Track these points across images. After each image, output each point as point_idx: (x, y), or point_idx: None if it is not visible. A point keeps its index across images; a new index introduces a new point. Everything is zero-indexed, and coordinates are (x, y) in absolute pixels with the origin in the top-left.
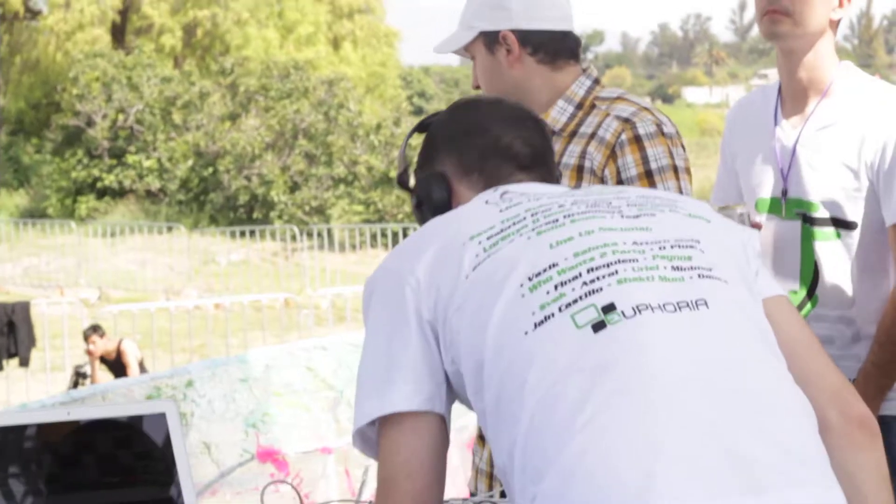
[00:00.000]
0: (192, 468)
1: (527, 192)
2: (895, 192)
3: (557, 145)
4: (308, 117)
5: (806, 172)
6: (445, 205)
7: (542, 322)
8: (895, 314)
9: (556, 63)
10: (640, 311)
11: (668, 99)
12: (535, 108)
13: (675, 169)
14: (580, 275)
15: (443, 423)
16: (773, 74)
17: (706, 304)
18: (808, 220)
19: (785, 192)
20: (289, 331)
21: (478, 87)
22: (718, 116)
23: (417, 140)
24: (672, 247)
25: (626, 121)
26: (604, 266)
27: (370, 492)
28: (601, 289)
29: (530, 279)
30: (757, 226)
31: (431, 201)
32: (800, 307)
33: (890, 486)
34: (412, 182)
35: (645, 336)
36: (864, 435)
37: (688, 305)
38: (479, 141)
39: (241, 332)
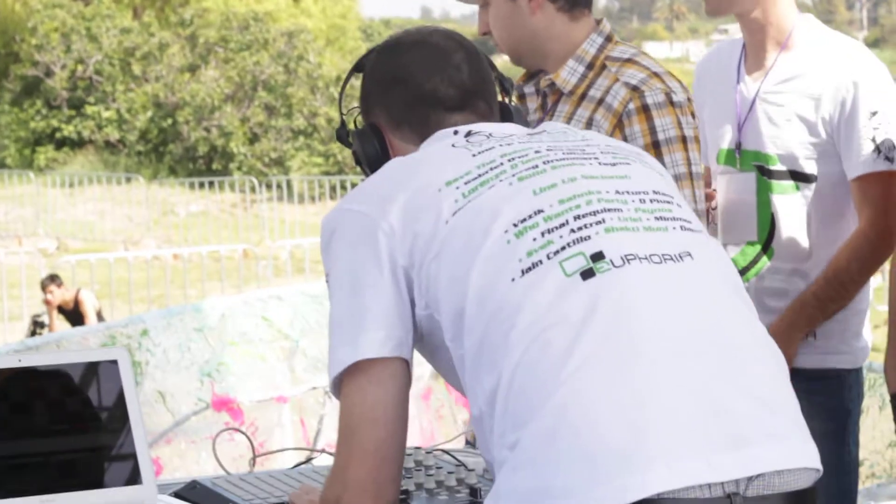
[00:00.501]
0: (147, 417)
1: (494, 134)
2: (854, 146)
3: (566, 107)
4: (268, 69)
5: (764, 125)
6: (381, 160)
7: (529, 269)
8: (849, 255)
9: (574, 12)
10: (628, 261)
11: None
12: (550, 60)
13: (684, 139)
14: (567, 222)
15: (407, 367)
16: (733, 29)
17: (690, 256)
18: (766, 173)
19: (739, 145)
20: (247, 282)
21: (486, 34)
22: (679, 71)
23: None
24: (652, 200)
25: (635, 89)
26: (590, 214)
27: (325, 440)
28: (589, 237)
29: (515, 225)
30: (711, 196)
31: (367, 157)
32: (756, 259)
33: None
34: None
35: (632, 287)
36: None
37: (671, 258)
38: (402, 91)
39: (199, 282)
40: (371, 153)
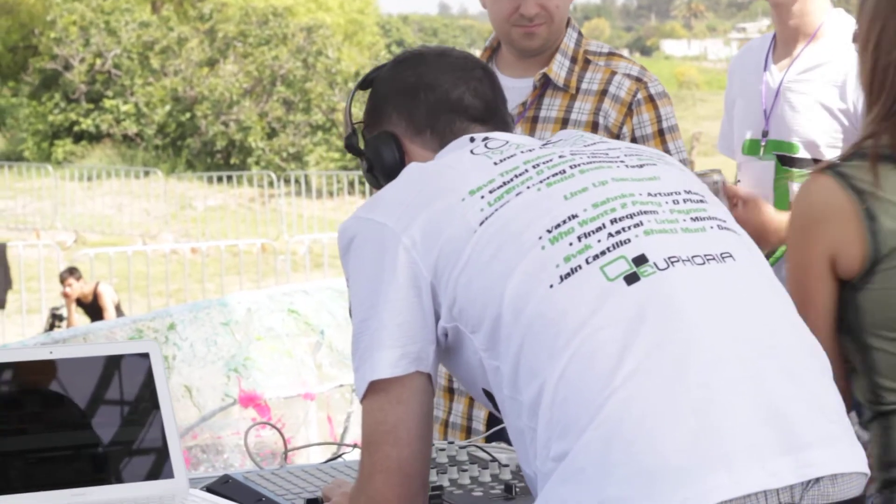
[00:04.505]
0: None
1: (511, 141)
2: None
3: (557, 100)
4: (286, 64)
5: (788, 114)
6: (398, 167)
7: (568, 274)
8: None
9: None
10: (672, 264)
11: (646, 51)
12: (549, 52)
13: (678, 128)
14: (604, 226)
15: (429, 381)
16: (751, 28)
17: (732, 256)
18: (787, 161)
19: (765, 134)
20: (265, 276)
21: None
22: (696, 69)
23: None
24: (685, 200)
25: (639, 80)
26: (627, 217)
27: (352, 438)
28: (629, 240)
29: (549, 231)
30: (734, 194)
31: (383, 164)
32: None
33: None
34: (361, 144)
35: (679, 290)
36: None
37: (714, 258)
38: (427, 97)
39: (217, 276)
40: (389, 159)
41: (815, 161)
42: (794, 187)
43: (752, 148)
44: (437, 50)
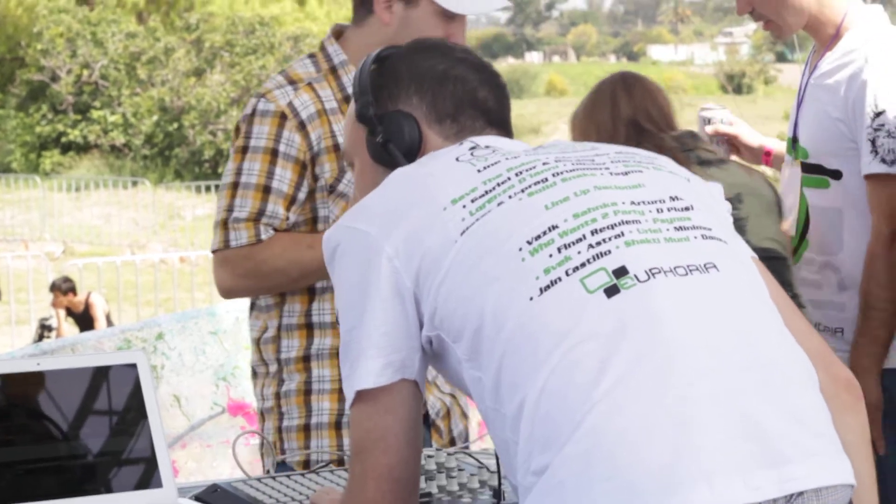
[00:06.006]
0: (162, 420)
1: (498, 148)
2: (863, 146)
3: None
4: (273, 73)
5: (802, 120)
6: (415, 147)
7: (548, 287)
8: (869, 280)
9: None
10: (653, 276)
11: (633, 57)
12: None
13: None
14: (584, 237)
15: (416, 388)
16: (738, 32)
17: (716, 267)
18: (805, 167)
19: (795, 139)
20: None
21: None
22: (684, 74)
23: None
24: (669, 209)
25: None
26: (608, 227)
27: None
28: (609, 251)
29: (529, 243)
30: (724, 134)
31: (402, 141)
32: (795, 249)
33: (871, 449)
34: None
35: (660, 302)
36: (851, 397)
37: (697, 269)
38: (456, 88)
39: (206, 286)
40: (409, 138)
41: (820, 167)
42: (807, 192)
43: (789, 148)
44: (460, 47)
